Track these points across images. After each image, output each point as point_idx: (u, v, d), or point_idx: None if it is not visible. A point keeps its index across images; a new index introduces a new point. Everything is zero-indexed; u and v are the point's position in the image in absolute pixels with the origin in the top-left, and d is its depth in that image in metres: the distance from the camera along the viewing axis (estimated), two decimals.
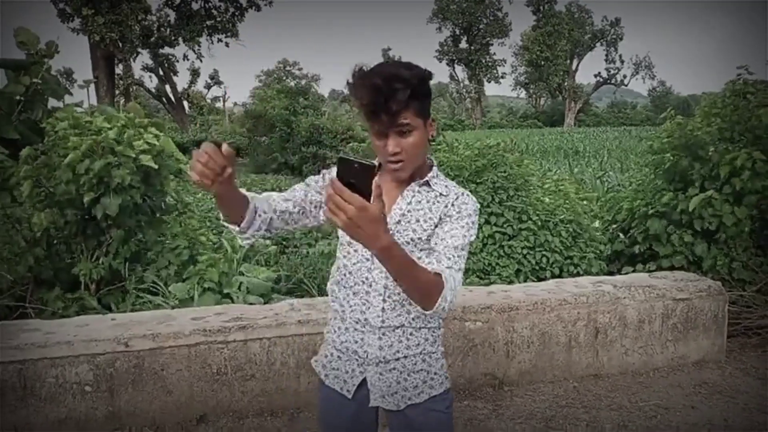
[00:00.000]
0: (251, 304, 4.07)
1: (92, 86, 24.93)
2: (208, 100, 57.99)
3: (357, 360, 1.70)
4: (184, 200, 5.71)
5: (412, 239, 1.62)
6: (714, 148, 4.84)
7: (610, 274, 5.05)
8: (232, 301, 4.34)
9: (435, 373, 1.72)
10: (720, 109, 5.14)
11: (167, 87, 40.07)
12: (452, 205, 1.63)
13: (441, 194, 1.64)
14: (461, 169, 5.34)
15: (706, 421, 3.28)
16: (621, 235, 5.51)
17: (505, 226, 5.13)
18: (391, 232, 1.48)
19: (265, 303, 4.21)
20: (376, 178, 1.24)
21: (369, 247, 1.33)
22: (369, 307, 1.65)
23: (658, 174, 5.35)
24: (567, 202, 5.55)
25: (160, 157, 4.75)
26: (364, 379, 1.70)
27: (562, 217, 5.28)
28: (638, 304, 3.85)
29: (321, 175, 1.73)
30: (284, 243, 6.80)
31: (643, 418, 3.31)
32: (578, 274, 4.98)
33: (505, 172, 5.34)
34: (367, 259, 1.64)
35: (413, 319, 1.67)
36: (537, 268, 5.09)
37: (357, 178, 1.24)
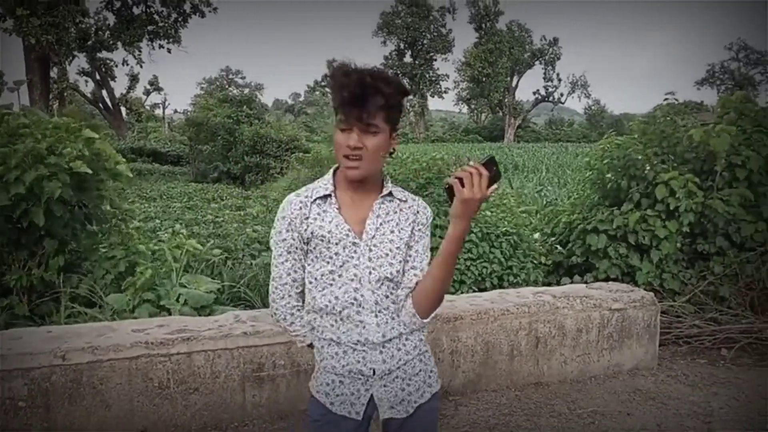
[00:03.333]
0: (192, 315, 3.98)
1: (25, 90, 23.97)
2: (147, 107, 56.57)
3: (361, 379, 1.69)
4: (122, 207, 5.52)
5: (390, 250, 1.67)
6: (649, 167, 5.08)
7: (549, 284, 5.20)
8: (169, 314, 4.23)
9: (431, 371, 1.79)
10: (651, 135, 5.42)
11: (104, 92, 38.86)
12: (419, 213, 1.72)
13: (401, 200, 1.71)
14: (408, 182, 5.41)
15: (641, 427, 3.42)
16: (559, 247, 5.70)
17: None
18: (368, 247, 1.63)
19: (207, 315, 4.13)
20: (496, 186, 1.58)
21: (467, 222, 1.58)
22: (365, 326, 1.66)
23: (595, 189, 5.58)
24: (509, 215, 5.69)
25: (96, 162, 4.59)
26: (371, 396, 1.70)
27: (503, 229, 5.41)
28: (576, 313, 3.99)
29: (299, 209, 1.68)
30: (227, 254, 6.69)
31: (582, 425, 3.42)
32: (518, 284, 5.12)
33: (448, 185, 5.43)
34: (351, 280, 1.65)
35: (405, 325, 1.71)
36: (479, 279, 5.19)
37: (491, 176, 1.55)
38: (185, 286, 4.61)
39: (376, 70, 1.59)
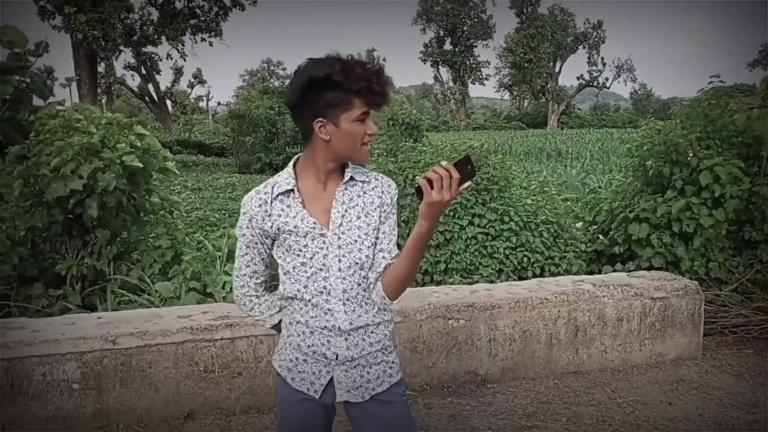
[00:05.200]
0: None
1: (74, 85, 24.75)
2: (192, 99, 57.64)
3: (324, 361, 1.74)
4: (170, 198, 5.71)
5: (359, 236, 1.69)
6: (692, 153, 4.95)
7: (591, 273, 5.15)
8: (215, 301, 4.36)
9: (392, 362, 1.81)
10: (695, 121, 5.27)
11: (150, 86, 39.80)
12: (384, 194, 1.73)
13: (364, 182, 1.73)
14: None
15: (683, 416, 3.37)
16: (601, 236, 5.62)
17: (487, 226, 5.21)
18: (336, 235, 1.66)
19: None
20: (470, 183, 1.56)
21: (431, 223, 1.58)
22: (333, 314, 1.70)
23: (637, 176, 5.48)
24: (549, 203, 5.64)
25: (145, 156, 4.77)
26: (331, 378, 1.75)
27: (543, 218, 5.36)
28: (617, 302, 3.95)
29: (259, 206, 1.70)
30: None
31: (622, 414, 3.40)
32: (559, 274, 5.07)
33: (488, 173, 5.42)
34: (320, 269, 1.68)
35: (373, 316, 1.75)
36: (519, 267, 5.17)
37: (463, 175, 1.54)
38: (230, 274, 4.74)
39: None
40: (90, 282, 4.62)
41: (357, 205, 1.70)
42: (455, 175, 1.52)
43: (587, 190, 11.36)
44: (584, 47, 59.26)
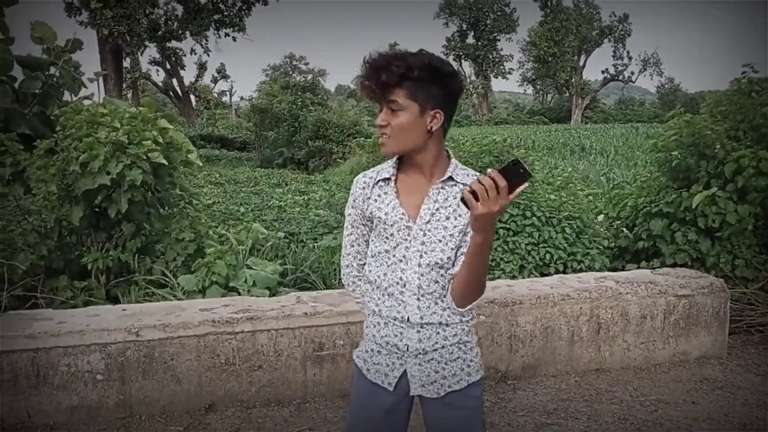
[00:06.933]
0: (258, 296, 4.12)
1: (100, 80, 25.12)
2: (215, 94, 58.14)
3: (397, 353, 1.76)
4: (190, 190, 5.75)
5: (444, 237, 1.68)
6: (720, 145, 4.85)
7: (615, 270, 5.08)
8: (239, 294, 4.40)
9: (471, 360, 1.79)
10: (725, 108, 5.16)
11: (174, 81, 40.24)
12: None
13: (464, 184, 1.68)
14: (466, 166, 5.38)
15: (707, 416, 3.32)
16: (625, 231, 5.55)
17: (509, 221, 5.17)
18: (422, 231, 1.66)
19: (271, 296, 4.27)
20: (525, 185, 1.43)
21: (484, 234, 1.51)
22: (405, 306, 1.72)
23: (663, 171, 5.38)
24: (572, 198, 5.57)
25: (169, 151, 4.81)
26: (404, 371, 1.76)
27: (566, 213, 5.31)
28: (640, 300, 3.90)
29: (362, 189, 1.77)
30: (290, 237, 6.86)
31: (644, 412, 3.36)
32: (582, 270, 5.02)
33: None
34: (400, 261, 1.70)
35: (448, 315, 1.73)
36: (541, 263, 5.12)
37: (515, 179, 1.42)
38: (252, 268, 4.78)
39: (402, 51, 1.62)
40: (114, 274, 4.69)
41: (450, 206, 1.69)
42: (501, 183, 1.41)
43: (611, 185, 11.22)
44: (609, 41, 58.36)
